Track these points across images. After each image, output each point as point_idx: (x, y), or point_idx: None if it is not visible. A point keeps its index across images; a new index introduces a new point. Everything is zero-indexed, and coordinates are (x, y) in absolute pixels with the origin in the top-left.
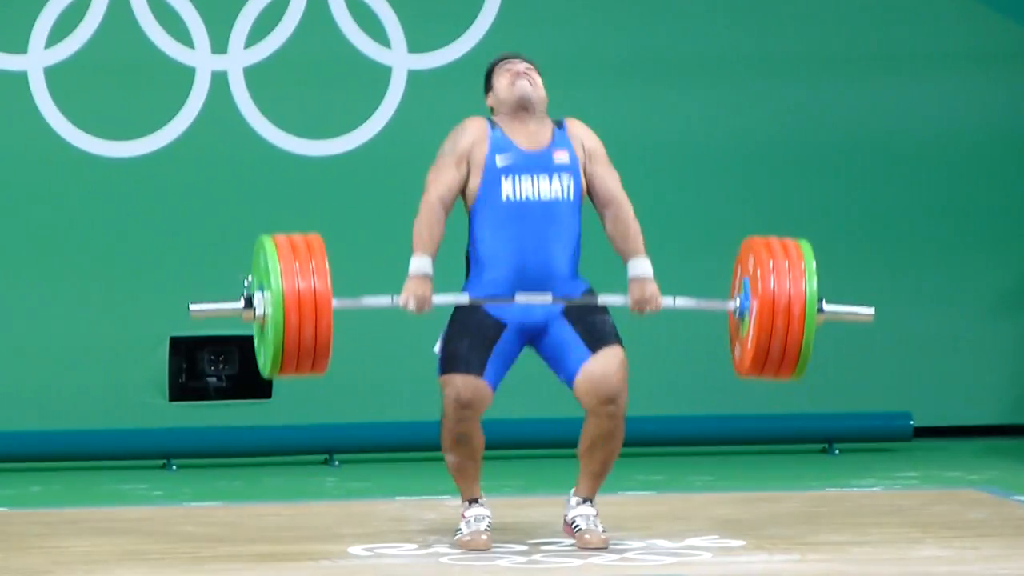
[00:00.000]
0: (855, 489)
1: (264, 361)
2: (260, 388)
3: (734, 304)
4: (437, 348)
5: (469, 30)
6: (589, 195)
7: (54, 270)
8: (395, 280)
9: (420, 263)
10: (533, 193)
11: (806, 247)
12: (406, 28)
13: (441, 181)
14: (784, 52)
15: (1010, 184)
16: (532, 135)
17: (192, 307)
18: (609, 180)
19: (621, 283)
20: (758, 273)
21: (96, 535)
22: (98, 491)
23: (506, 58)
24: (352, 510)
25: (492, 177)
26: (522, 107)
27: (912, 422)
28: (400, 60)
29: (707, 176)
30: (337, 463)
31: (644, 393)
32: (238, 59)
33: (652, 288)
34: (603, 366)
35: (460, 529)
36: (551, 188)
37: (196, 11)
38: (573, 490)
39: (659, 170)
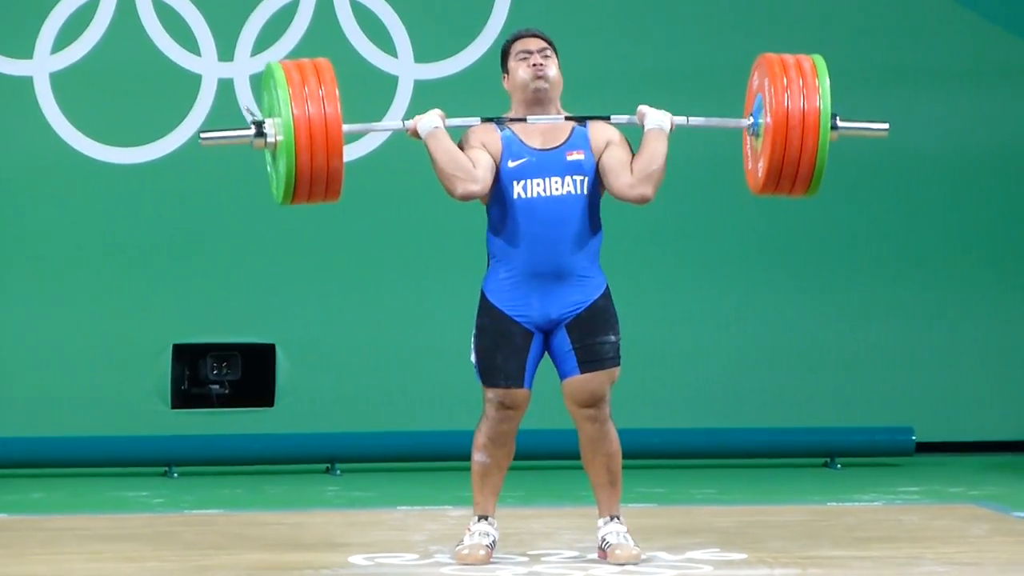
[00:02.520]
0: (856, 504)
1: (277, 189)
2: (262, 396)
3: (748, 121)
4: (473, 359)
5: (475, 41)
6: (604, 178)
7: (57, 276)
8: (419, 289)
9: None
10: (544, 191)
11: (820, 63)
12: (413, 38)
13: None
14: None
15: (1012, 199)
16: (546, 134)
17: (202, 135)
18: (622, 153)
19: (634, 276)
20: (772, 90)
21: (97, 542)
22: (100, 498)
23: (522, 36)
24: (353, 519)
25: (505, 179)
26: (538, 101)
27: (914, 437)
28: (407, 70)
29: (712, 198)
30: (339, 472)
31: (647, 406)
32: (244, 66)
33: (664, 113)
34: (584, 380)
35: (462, 541)
36: (563, 185)
37: (203, 18)
38: (598, 513)
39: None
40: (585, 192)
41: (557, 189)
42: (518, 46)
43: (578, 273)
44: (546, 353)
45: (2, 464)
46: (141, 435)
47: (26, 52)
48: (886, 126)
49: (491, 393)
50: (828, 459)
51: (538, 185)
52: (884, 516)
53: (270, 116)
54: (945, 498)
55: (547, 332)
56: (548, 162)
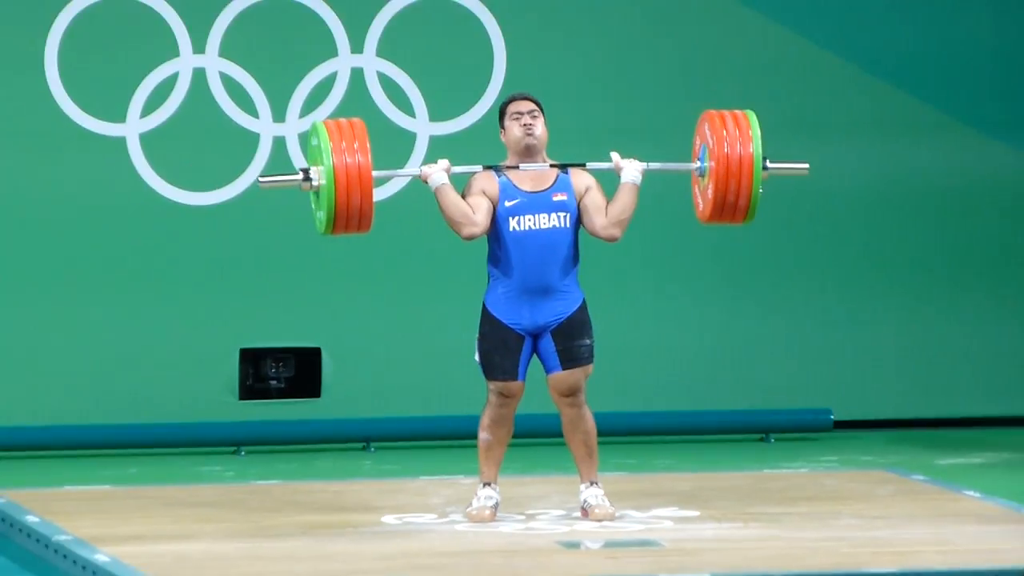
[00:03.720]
0: (786, 471)
1: (320, 223)
2: (311, 389)
3: (696, 165)
4: (477, 358)
5: (478, 103)
6: (582, 215)
7: (147, 294)
8: (435, 301)
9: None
10: (534, 224)
11: (752, 117)
12: (428, 100)
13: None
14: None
15: (909, 223)
16: (535, 180)
17: (260, 179)
18: (598, 198)
19: (609, 289)
20: (714, 140)
21: (180, 507)
22: (182, 472)
23: (515, 99)
24: (385, 487)
25: (502, 216)
26: (528, 153)
27: (832, 416)
28: (423, 127)
29: (668, 220)
30: (373, 449)
31: (619, 392)
32: (294, 126)
33: (636, 164)
34: (565, 375)
35: (471, 503)
36: (550, 220)
37: (260, 88)
38: (580, 479)
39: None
40: (568, 225)
41: (545, 223)
42: (512, 108)
43: (561, 290)
44: (534, 354)
45: (105, 445)
46: (215, 421)
47: (120, 117)
48: (806, 165)
49: (492, 385)
50: (764, 435)
51: (529, 220)
52: (809, 480)
53: (314, 164)
54: (858, 465)
55: (535, 336)
56: (538, 202)
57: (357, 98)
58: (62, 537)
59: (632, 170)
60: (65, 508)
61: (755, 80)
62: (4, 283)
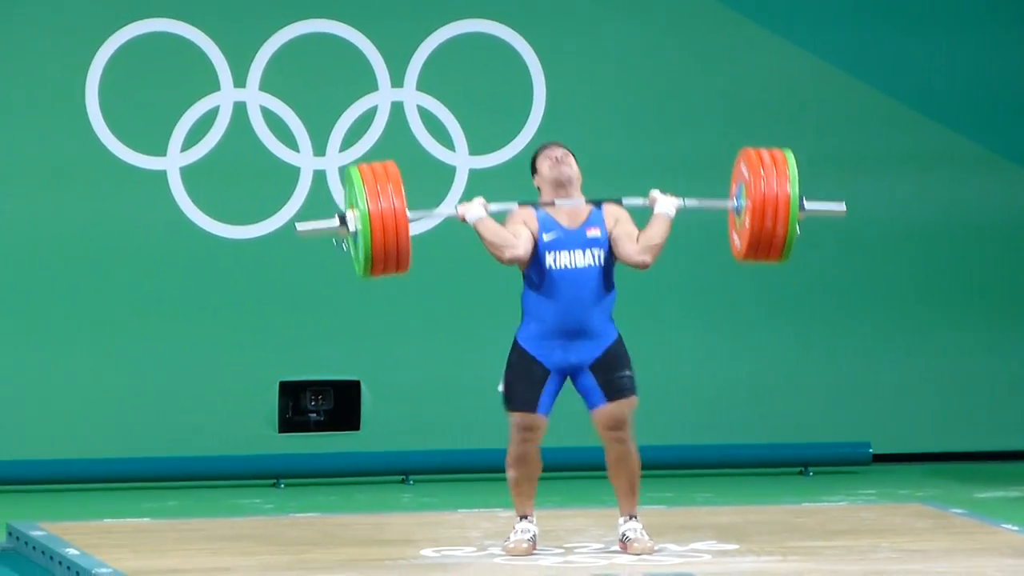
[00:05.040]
0: (825, 504)
1: (358, 266)
2: (351, 422)
3: (732, 203)
4: (500, 388)
5: (518, 136)
6: (613, 246)
7: (190, 329)
8: (471, 338)
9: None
10: (570, 263)
11: (789, 156)
12: (467, 134)
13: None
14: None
15: (951, 257)
16: (571, 215)
17: (298, 226)
18: (630, 227)
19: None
20: (752, 179)
21: (219, 540)
22: (222, 504)
23: (546, 147)
24: (424, 520)
25: (541, 250)
26: (560, 184)
27: (871, 450)
28: (463, 160)
29: (706, 256)
30: (412, 482)
31: (657, 425)
32: (334, 160)
33: (672, 199)
34: (611, 408)
35: (509, 537)
36: (584, 258)
37: (300, 121)
38: (619, 513)
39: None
40: (602, 263)
41: (580, 262)
42: (544, 152)
43: (595, 328)
44: (573, 388)
45: (145, 478)
46: (254, 454)
47: (161, 150)
48: (843, 207)
49: (513, 418)
50: (803, 468)
51: (565, 257)
52: (847, 514)
53: (350, 209)
54: (896, 499)
55: (566, 374)
56: (573, 238)
57: (397, 132)
58: (102, 570)
59: (666, 203)
60: (105, 541)
61: (796, 114)
62: (44, 317)
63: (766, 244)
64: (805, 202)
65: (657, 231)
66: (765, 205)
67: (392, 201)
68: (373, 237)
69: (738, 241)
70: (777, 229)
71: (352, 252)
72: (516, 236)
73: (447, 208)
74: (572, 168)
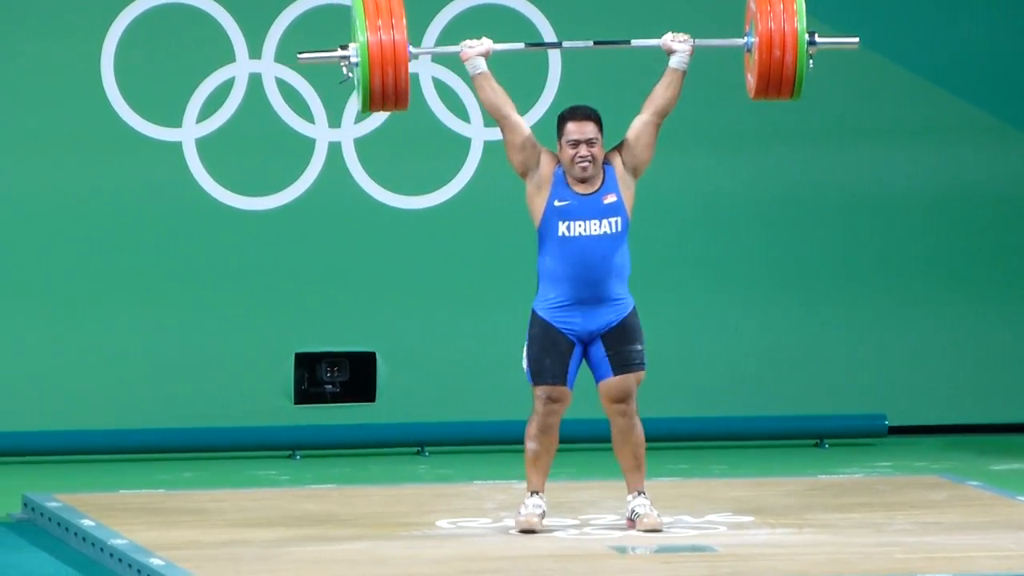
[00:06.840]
0: (841, 476)
1: (360, 101)
2: (366, 394)
3: (743, 40)
4: (524, 364)
5: (532, 109)
6: (635, 146)
7: (205, 300)
8: (487, 308)
9: None
10: (586, 231)
11: None
12: (482, 106)
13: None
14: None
15: (966, 229)
16: (586, 179)
17: (299, 55)
18: (629, 133)
19: (662, 295)
20: (759, 14)
21: (235, 511)
22: (238, 476)
23: (574, 119)
24: (439, 492)
25: (551, 215)
26: (581, 181)
27: (887, 422)
28: (478, 132)
29: (722, 227)
30: (427, 454)
31: (673, 398)
32: (350, 132)
33: (685, 40)
34: (617, 380)
35: (519, 511)
36: (600, 226)
37: (315, 92)
38: (627, 490)
39: (686, 221)
40: (619, 230)
41: (595, 230)
42: (569, 130)
43: (612, 296)
44: (583, 363)
45: (160, 449)
46: (270, 425)
47: (177, 122)
48: (856, 40)
49: (539, 390)
50: (818, 440)
51: (580, 226)
52: (863, 486)
53: (354, 41)
54: (912, 471)
55: (585, 344)
56: (588, 206)
57: (413, 104)
58: (117, 541)
59: (681, 54)
60: (120, 512)
61: (807, 84)
62: (60, 287)
63: (776, 78)
64: (816, 37)
65: (671, 94)
66: (772, 38)
67: (393, 34)
68: (371, 71)
69: (751, 79)
70: (786, 60)
71: (356, 87)
72: (519, 123)
73: (451, 47)
74: (595, 159)
